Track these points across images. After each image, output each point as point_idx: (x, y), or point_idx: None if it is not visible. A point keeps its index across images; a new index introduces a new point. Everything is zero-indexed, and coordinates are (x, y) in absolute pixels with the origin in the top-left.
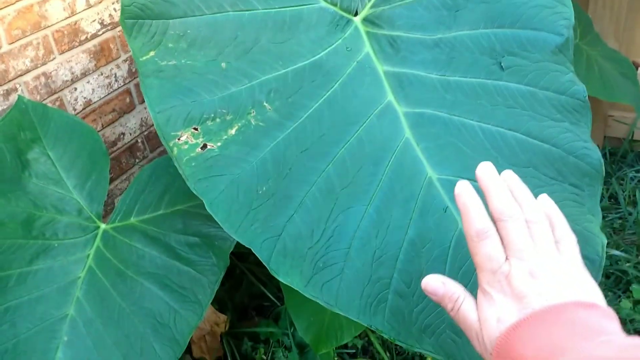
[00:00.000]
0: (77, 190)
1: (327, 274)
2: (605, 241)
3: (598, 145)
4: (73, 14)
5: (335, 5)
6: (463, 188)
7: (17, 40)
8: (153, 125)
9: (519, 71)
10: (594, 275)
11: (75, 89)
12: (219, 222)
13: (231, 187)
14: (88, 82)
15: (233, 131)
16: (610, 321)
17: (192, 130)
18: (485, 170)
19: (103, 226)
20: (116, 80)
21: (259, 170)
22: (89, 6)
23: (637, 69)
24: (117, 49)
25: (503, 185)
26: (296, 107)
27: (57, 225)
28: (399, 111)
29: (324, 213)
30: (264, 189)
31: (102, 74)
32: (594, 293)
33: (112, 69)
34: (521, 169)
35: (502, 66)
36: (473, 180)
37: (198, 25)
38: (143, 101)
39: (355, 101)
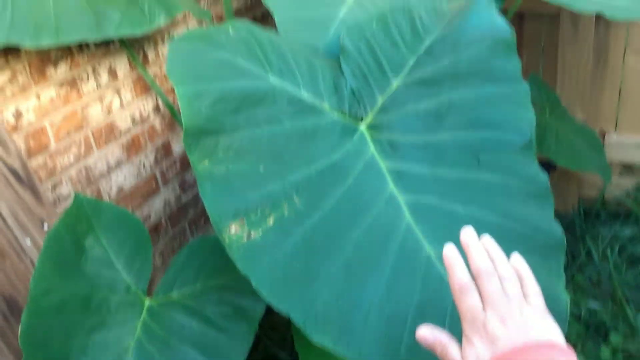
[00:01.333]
0: (125, 271)
1: (351, 334)
2: (569, 298)
3: (573, 205)
4: (109, 113)
5: (344, 114)
6: (449, 250)
7: (63, 140)
8: (175, 205)
9: (493, 165)
10: (561, 326)
11: (111, 178)
12: (264, 297)
13: (272, 268)
14: (121, 171)
15: (271, 221)
16: (568, 357)
17: (239, 222)
18: (466, 234)
19: (148, 302)
20: (144, 168)
21: (293, 252)
22: (123, 107)
23: (604, 136)
24: (145, 141)
25: (481, 247)
26: (319, 200)
27: (110, 302)
28: (400, 200)
29: (347, 285)
30: (298, 267)
31: (132, 164)
32: (556, 335)
33: (141, 159)
34: (499, 244)
35: (479, 161)
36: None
37: (241, 138)
38: (166, 184)
39: (366, 193)
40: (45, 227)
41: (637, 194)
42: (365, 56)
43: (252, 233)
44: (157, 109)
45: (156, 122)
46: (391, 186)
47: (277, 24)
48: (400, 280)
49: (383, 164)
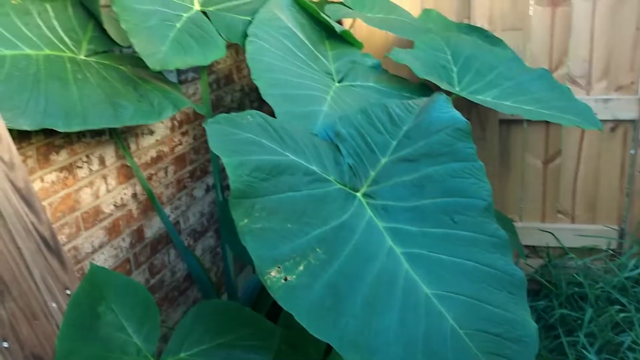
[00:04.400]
0: (136, 335)
1: (377, 355)
2: (537, 326)
3: None
4: (97, 198)
5: (345, 186)
6: None
7: (58, 220)
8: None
9: (464, 223)
10: (531, 349)
11: (94, 259)
12: (306, 327)
13: (308, 304)
14: (102, 253)
15: (301, 268)
16: None
17: (277, 268)
18: None
19: None
20: (121, 251)
21: (323, 292)
22: (108, 191)
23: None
24: (124, 225)
25: None
26: (336, 251)
27: None
28: (398, 252)
29: (368, 318)
30: (328, 303)
31: (112, 246)
32: None
33: (119, 242)
34: (477, 284)
35: (454, 221)
36: (452, 292)
37: (271, 201)
38: (138, 267)
39: (371, 246)
40: (68, 292)
41: (544, 271)
42: (356, 140)
43: (288, 277)
44: (134, 195)
45: (133, 207)
46: (389, 241)
47: (276, 115)
48: (408, 313)
49: (380, 224)
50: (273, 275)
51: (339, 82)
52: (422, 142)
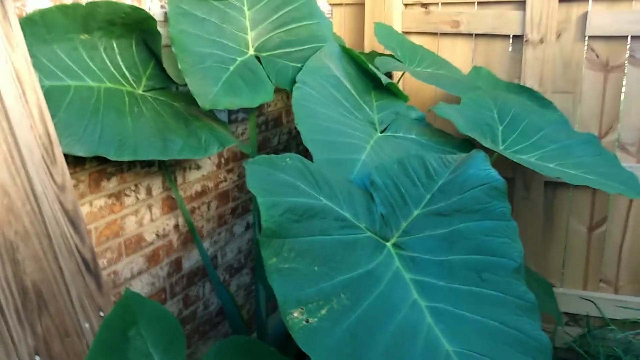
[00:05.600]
0: None
1: None
2: None
3: None
4: (141, 226)
5: (376, 234)
6: None
7: (102, 244)
8: (176, 318)
9: (493, 282)
10: None
11: (131, 285)
12: None
13: (327, 348)
14: (140, 280)
15: (324, 311)
16: None
17: (300, 309)
18: None
19: None
20: (158, 280)
21: (343, 337)
22: (152, 221)
23: (552, 288)
24: (164, 255)
25: None
26: (360, 298)
27: None
28: (422, 305)
29: None
30: (347, 349)
31: (150, 274)
32: None
33: (157, 271)
34: (500, 345)
35: (482, 279)
36: (473, 351)
37: (300, 243)
38: (173, 297)
39: (394, 297)
40: (102, 314)
41: (582, 341)
42: (391, 190)
43: (310, 319)
44: (176, 227)
45: (174, 238)
46: (414, 294)
47: (314, 161)
48: None
49: (407, 275)
50: (295, 316)
51: (381, 132)
52: (455, 198)
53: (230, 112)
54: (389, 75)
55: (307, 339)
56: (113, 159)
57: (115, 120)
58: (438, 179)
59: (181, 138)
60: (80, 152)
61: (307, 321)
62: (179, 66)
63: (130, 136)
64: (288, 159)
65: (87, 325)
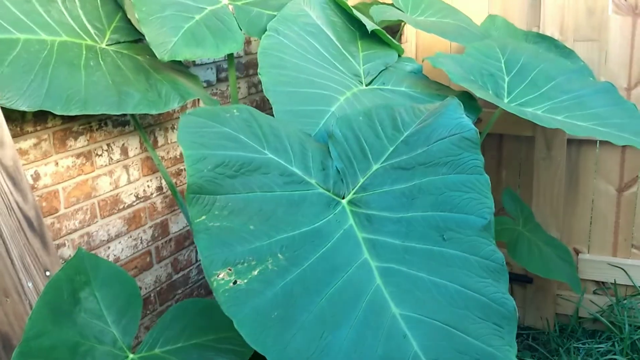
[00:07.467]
0: (114, 325)
1: None
2: None
3: (549, 322)
4: (117, 187)
5: (329, 191)
6: None
7: (72, 205)
8: (165, 282)
9: (456, 242)
10: None
11: (109, 247)
12: (244, 336)
13: (253, 312)
14: (119, 242)
15: (256, 272)
16: None
17: (227, 270)
18: None
19: (131, 356)
20: (141, 243)
21: (273, 301)
22: (129, 182)
23: (577, 254)
24: (146, 217)
25: None
26: (300, 259)
27: (95, 353)
28: (372, 265)
29: (318, 333)
30: (276, 314)
31: (130, 237)
32: None
33: (140, 233)
34: (457, 309)
35: (444, 238)
36: (424, 316)
37: (236, 200)
38: (160, 261)
39: (341, 257)
40: (48, 274)
41: (610, 312)
42: (350, 143)
43: (238, 281)
44: (159, 189)
45: (157, 201)
46: (365, 253)
47: (275, 114)
48: (366, 333)
49: (359, 234)
50: (221, 278)
51: (367, 84)
52: (420, 150)
53: (218, 71)
54: (398, 30)
55: (232, 302)
56: (59, 113)
57: (66, 75)
58: (405, 130)
59: (139, 92)
60: (23, 107)
61: (234, 283)
62: (136, 15)
63: (82, 90)
64: (235, 110)
65: (30, 284)
